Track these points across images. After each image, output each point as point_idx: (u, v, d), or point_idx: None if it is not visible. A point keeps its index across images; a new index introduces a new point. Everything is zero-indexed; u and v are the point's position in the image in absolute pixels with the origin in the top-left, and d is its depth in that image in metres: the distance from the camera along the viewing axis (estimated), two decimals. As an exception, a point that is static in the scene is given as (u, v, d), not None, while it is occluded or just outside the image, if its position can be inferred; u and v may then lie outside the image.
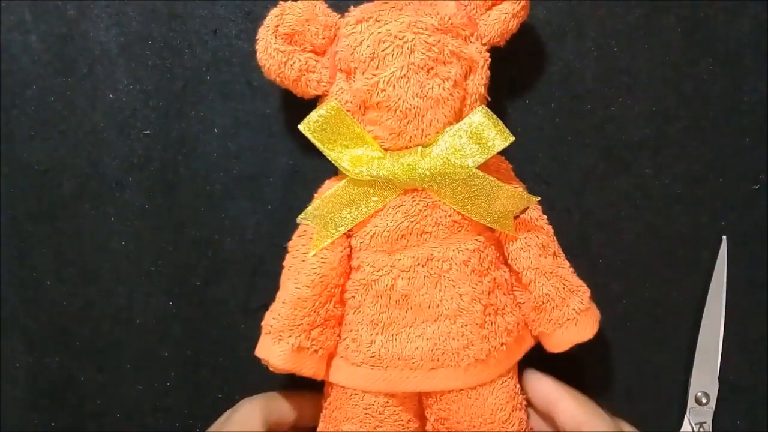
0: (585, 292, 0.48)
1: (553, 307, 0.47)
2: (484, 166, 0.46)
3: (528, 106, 0.53)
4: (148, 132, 0.54)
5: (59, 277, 0.55)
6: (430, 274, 0.46)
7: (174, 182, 0.54)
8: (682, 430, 0.53)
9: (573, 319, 0.47)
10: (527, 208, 0.48)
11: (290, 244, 0.49)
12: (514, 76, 0.53)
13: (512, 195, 0.46)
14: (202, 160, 0.54)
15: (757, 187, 0.54)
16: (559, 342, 0.48)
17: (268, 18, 0.46)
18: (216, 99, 0.54)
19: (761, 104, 0.53)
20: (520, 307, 0.49)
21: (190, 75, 0.54)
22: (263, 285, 0.54)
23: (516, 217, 0.48)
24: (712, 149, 0.54)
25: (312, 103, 0.48)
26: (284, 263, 0.49)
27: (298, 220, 0.49)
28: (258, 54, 0.47)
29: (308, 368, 0.47)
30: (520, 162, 0.52)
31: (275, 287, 0.49)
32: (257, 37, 0.47)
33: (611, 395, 0.55)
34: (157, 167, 0.54)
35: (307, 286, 0.46)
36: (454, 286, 0.46)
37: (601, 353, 0.54)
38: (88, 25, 0.53)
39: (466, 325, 0.46)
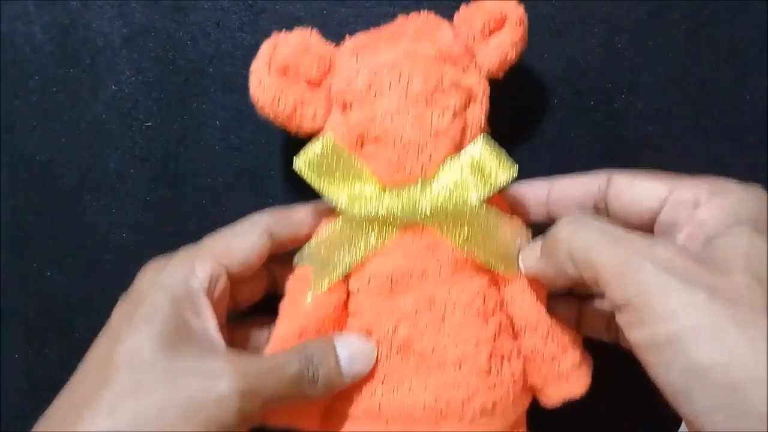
0: (578, 346, 0.47)
1: (544, 362, 0.46)
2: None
3: (530, 101, 0.53)
4: (150, 124, 0.54)
5: (60, 269, 0.55)
6: (433, 319, 0.43)
7: (176, 175, 0.54)
8: (681, 429, 0.53)
9: (565, 376, 0.46)
10: None
11: (287, 285, 0.47)
12: (516, 71, 0.52)
13: (515, 231, 0.45)
14: (204, 152, 0.54)
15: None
16: (551, 397, 0.47)
17: (260, 50, 0.45)
18: (218, 92, 0.54)
19: (764, 103, 0.53)
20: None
21: (193, 67, 0.53)
22: (264, 279, 0.54)
23: None
24: (715, 148, 0.53)
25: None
26: (280, 305, 0.47)
27: (295, 262, 0.47)
28: (251, 89, 0.45)
29: (301, 420, 0.45)
30: (522, 159, 0.52)
31: (276, 281, 0.49)
32: (250, 70, 0.45)
33: (610, 393, 0.54)
34: (158, 159, 0.54)
35: (295, 334, 0.44)
36: (458, 330, 0.43)
37: (600, 350, 0.54)
38: (91, 16, 0.53)
39: (472, 373, 0.43)
